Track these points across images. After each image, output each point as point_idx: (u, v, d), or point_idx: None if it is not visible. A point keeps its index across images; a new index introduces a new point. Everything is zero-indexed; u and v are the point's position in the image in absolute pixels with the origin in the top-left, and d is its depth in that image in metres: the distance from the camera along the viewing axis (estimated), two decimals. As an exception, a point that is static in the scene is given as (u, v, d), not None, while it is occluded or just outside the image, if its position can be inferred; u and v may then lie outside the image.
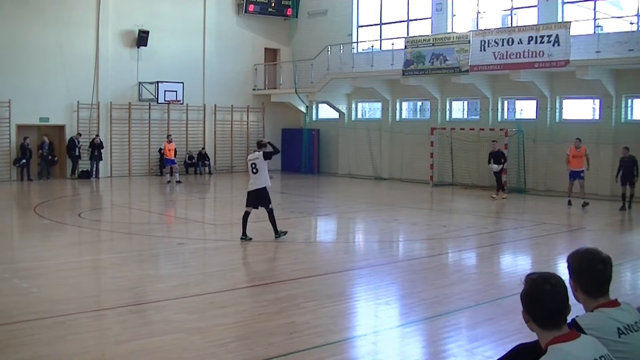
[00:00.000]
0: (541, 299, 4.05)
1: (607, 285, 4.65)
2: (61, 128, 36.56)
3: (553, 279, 4.10)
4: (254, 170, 17.78)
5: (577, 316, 4.41)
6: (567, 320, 4.13)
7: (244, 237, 17.67)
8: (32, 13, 34.56)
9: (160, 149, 37.22)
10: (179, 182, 33.95)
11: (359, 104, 41.40)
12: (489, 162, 29.01)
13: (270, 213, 17.78)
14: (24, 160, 34.35)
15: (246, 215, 17.80)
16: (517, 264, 16.59)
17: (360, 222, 23.58)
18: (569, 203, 25.68)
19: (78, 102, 36.38)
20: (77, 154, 36.03)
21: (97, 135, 36.43)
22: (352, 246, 19.24)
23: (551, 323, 4.06)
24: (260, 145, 18.25)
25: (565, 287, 4.12)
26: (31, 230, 20.83)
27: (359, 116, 41.39)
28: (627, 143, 26.29)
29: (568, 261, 4.74)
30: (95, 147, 36.18)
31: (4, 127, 34.36)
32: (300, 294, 12.31)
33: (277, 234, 17.79)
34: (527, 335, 4.32)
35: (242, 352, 9.02)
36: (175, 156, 35.15)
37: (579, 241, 18.02)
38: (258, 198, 17.83)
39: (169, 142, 34.88)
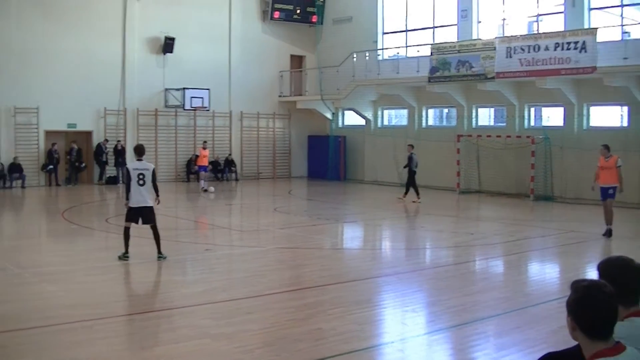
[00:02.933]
0: (593, 308, 3.90)
1: (639, 294, 4.59)
2: (88, 134, 36.80)
3: (605, 288, 3.96)
4: (141, 182, 15.65)
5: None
6: (613, 331, 3.99)
7: (127, 255, 15.76)
8: (59, 21, 34.84)
9: (196, 156, 36.91)
10: (205, 190, 33.43)
11: (385, 111, 41.37)
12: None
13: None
14: (52, 166, 34.59)
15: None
16: (544, 272, 16.50)
17: (386, 229, 23.52)
18: (608, 234, 19.99)
19: (105, 108, 36.61)
20: (104, 159, 36.24)
21: (119, 141, 36.60)
22: (379, 253, 19.21)
23: (600, 334, 3.92)
24: (141, 152, 16.14)
25: (615, 297, 3.99)
26: (59, 234, 20.98)
27: (385, 123, 41.36)
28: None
29: (599, 269, 4.67)
30: (119, 153, 36.35)
31: (33, 133, 34.65)
32: (327, 301, 12.31)
33: (161, 254, 15.96)
34: (555, 343, 4.28)
35: (268, 358, 9.02)
36: (207, 163, 35.00)
37: (608, 249, 17.88)
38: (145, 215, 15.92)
39: (204, 148, 34.72)
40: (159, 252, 15.84)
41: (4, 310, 11.26)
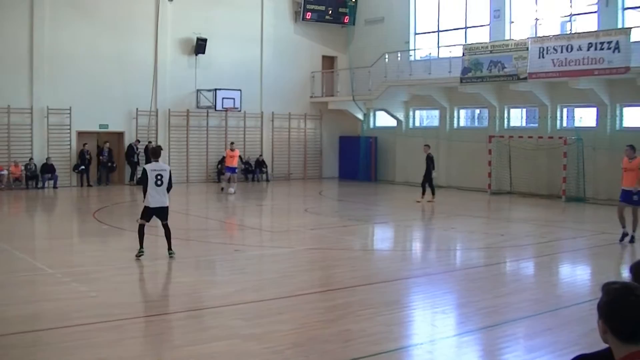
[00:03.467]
0: (624, 310, 3.80)
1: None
2: (120, 135, 37.03)
3: (637, 290, 3.84)
4: (159, 183, 16.00)
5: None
6: None
7: (142, 251, 16.09)
8: (92, 22, 35.08)
9: (223, 157, 36.88)
10: (233, 192, 32.81)
11: (417, 112, 41.26)
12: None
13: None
14: (83, 167, 34.81)
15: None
16: (576, 274, 16.39)
17: (417, 230, 23.49)
18: (622, 238, 19.09)
19: (137, 109, 36.82)
20: (135, 160, 36.38)
21: (150, 142, 36.70)
22: (409, 254, 19.15)
23: (631, 337, 3.80)
24: (157, 154, 16.55)
25: None
26: (90, 235, 21.10)
27: (417, 124, 41.24)
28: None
29: (631, 271, 4.62)
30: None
31: (65, 134, 34.92)
32: (356, 302, 12.29)
33: (171, 251, 16.21)
34: (587, 346, 4.23)
35: (298, 359, 9.02)
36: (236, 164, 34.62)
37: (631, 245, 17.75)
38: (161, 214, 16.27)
39: (232, 149, 34.29)
40: (169, 248, 16.11)
41: (35, 309, 11.35)
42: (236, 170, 34.75)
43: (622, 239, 18.92)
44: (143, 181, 16.10)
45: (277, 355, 9.10)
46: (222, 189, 33.80)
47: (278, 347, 9.42)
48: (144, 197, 16.05)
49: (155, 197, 15.91)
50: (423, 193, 29.39)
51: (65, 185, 34.46)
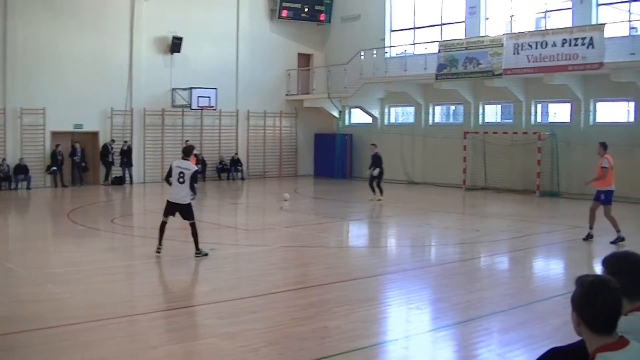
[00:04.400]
0: (598, 303, 3.89)
1: (644, 288, 4.58)
2: (95, 135, 36.78)
3: (611, 283, 3.95)
4: (181, 180, 16.19)
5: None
6: (617, 326, 3.98)
7: (160, 248, 16.40)
8: (66, 21, 34.80)
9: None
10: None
11: (392, 109, 41.36)
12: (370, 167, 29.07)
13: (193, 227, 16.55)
14: (55, 168, 34.53)
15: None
16: (549, 268, 16.52)
17: (392, 227, 23.52)
18: (587, 237, 18.77)
19: (112, 108, 36.61)
20: (110, 160, 36.20)
21: (126, 142, 36.57)
22: (384, 251, 19.19)
23: (604, 328, 3.91)
24: (187, 152, 16.82)
25: (620, 291, 3.98)
26: (65, 236, 20.94)
27: (392, 121, 41.35)
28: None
29: (604, 264, 4.67)
30: (124, 154, 36.34)
31: (39, 134, 34.63)
32: (332, 299, 12.32)
33: (198, 251, 16.45)
34: (561, 339, 4.27)
35: (274, 357, 9.02)
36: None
37: (613, 245, 17.81)
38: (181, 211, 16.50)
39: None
40: (197, 249, 16.29)
41: (9, 312, 11.28)
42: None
43: (586, 238, 18.69)
44: (167, 175, 16.62)
45: (252, 353, 9.09)
46: None
47: (253, 345, 9.41)
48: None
49: (174, 193, 16.27)
50: (381, 192, 28.65)
51: (39, 186, 34.17)
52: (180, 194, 16.18)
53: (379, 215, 25.39)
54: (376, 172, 28.62)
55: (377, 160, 29.05)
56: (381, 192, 28.60)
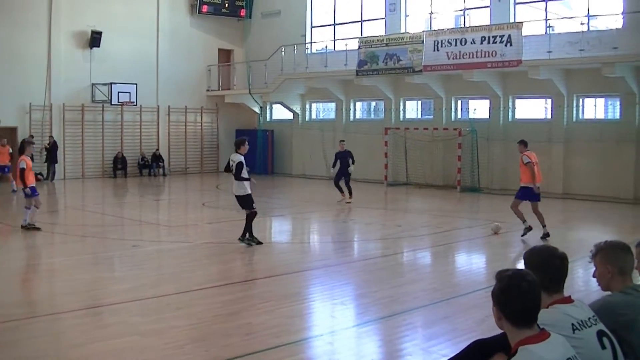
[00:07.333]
0: (517, 296, 3.98)
1: (563, 282, 4.71)
2: (13, 130, 36.02)
3: (529, 276, 4.05)
4: (233, 172, 17.27)
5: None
6: (537, 318, 4.09)
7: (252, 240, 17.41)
8: (-19, 13, 34.11)
9: None
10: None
11: (313, 105, 41.45)
12: (334, 165, 27.57)
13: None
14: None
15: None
16: (471, 263, 16.74)
17: (315, 223, 23.59)
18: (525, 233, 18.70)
19: (30, 103, 35.96)
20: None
21: (51, 137, 35.95)
22: (307, 246, 19.24)
23: (524, 321, 4.01)
24: (237, 145, 17.55)
25: (539, 285, 4.09)
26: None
27: (313, 117, 41.44)
28: (578, 142, 26.60)
29: (525, 258, 4.77)
30: (49, 150, 35.63)
31: (-47, 130, 33.79)
32: (256, 295, 12.34)
33: (246, 238, 17.38)
34: (484, 332, 4.33)
35: (199, 353, 8.96)
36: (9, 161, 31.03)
37: (533, 239, 18.10)
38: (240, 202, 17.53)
39: (2, 145, 30.95)
40: (242, 235, 17.30)
41: None
42: (7, 170, 31.16)
43: (524, 234, 18.60)
44: (225, 169, 17.90)
45: (177, 350, 9.03)
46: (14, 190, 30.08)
47: (178, 342, 9.35)
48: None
49: (233, 185, 17.42)
50: (350, 193, 27.03)
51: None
52: (234, 185, 17.24)
53: (301, 212, 25.42)
54: (351, 168, 27.15)
55: (347, 157, 27.40)
56: (350, 193, 26.99)
